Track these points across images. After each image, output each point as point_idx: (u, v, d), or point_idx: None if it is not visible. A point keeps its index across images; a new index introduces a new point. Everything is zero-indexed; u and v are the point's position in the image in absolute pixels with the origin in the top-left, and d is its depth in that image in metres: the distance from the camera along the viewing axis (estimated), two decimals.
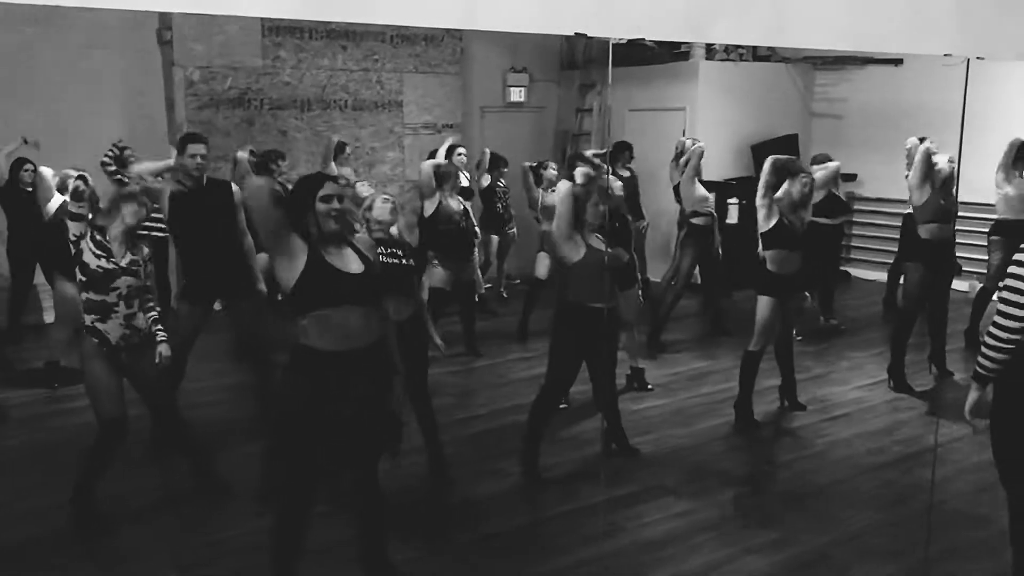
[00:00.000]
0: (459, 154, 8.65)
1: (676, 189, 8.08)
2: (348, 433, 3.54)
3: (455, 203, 7.22)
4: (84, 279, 4.40)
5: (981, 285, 7.81)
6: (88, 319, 4.44)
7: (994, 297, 7.74)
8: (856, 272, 11.02)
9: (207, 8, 2.45)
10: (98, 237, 4.41)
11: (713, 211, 7.96)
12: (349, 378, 3.45)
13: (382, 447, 3.75)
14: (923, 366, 6.94)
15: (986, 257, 7.79)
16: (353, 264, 3.49)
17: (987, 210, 7.73)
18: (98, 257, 4.37)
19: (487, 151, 9.42)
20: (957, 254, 6.96)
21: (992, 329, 3.32)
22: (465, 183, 8.32)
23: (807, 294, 6.12)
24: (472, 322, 7.67)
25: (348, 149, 9.27)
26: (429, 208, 7.12)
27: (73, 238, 4.38)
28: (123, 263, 4.44)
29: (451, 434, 5.70)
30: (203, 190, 5.37)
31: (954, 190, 6.35)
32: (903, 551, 4.28)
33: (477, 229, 7.60)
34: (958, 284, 8.81)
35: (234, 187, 5.58)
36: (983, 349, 3.36)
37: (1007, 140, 7.42)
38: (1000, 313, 3.31)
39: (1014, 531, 3.55)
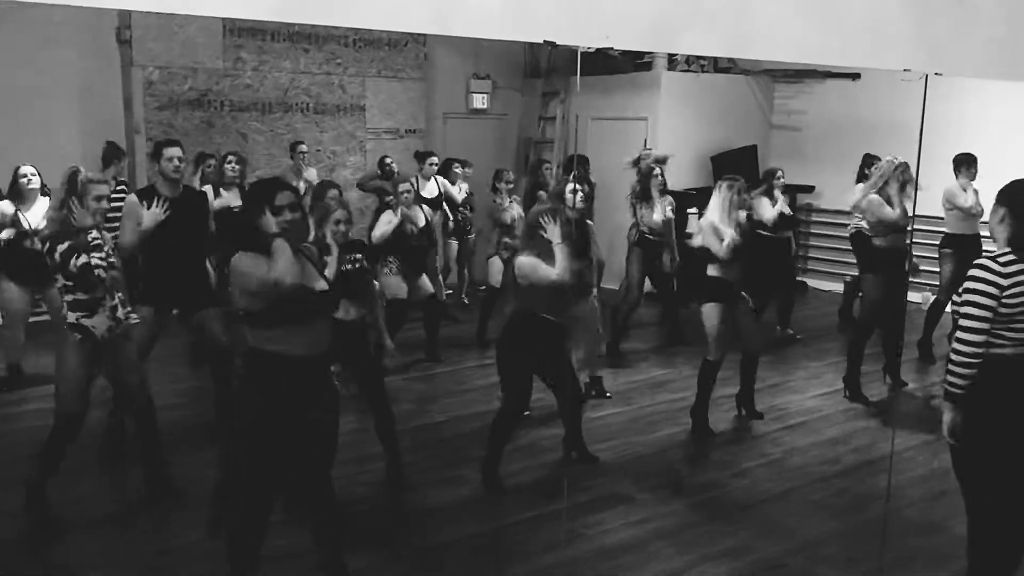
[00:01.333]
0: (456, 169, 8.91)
1: (633, 202, 8.05)
2: (305, 438, 3.50)
3: (417, 212, 7.26)
4: (72, 283, 4.36)
5: (934, 297, 7.95)
6: (72, 316, 4.41)
7: (947, 309, 7.90)
8: (812, 283, 11.17)
9: (169, 7, 2.42)
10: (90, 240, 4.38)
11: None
12: (314, 381, 3.47)
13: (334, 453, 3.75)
14: (878, 376, 7.05)
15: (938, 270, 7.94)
16: (316, 281, 3.50)
17: (938, 223, 7.89)
18: (91, 259, 4.35)
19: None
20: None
21: (956, 346, 3.35)
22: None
23: (745, 295, 5.99)
24: (435, 328, 7.65)
25: (303, 147, 9.19)
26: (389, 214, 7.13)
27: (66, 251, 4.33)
28: (108, 259, 4.46)
29: (411, 440, 5.67)
30: (180, 196, 5.31)
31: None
32: (858, 559, 4.33)
33: (437, 238, 7.70)
34: (912, 296, 8.98)
35: (209, 195, 5.60)
36: (950, 367, 3.37)
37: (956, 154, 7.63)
38: (961, 329, 3.34)
39: (971, 541, 3.60)
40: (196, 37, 9.08)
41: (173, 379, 6.72)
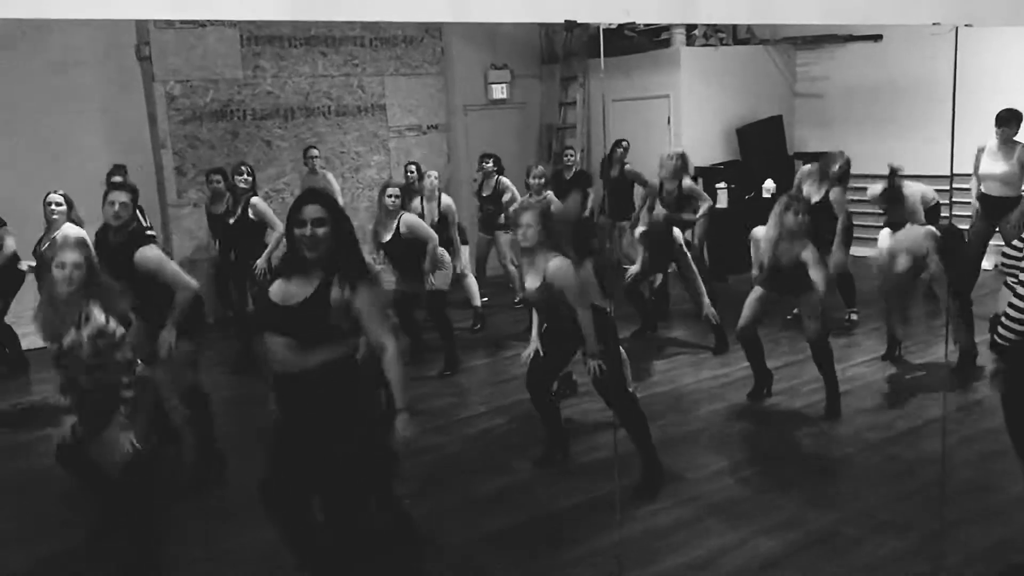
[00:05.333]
0: (409, 172, 8.67)
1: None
2: (303, 455, 3.37)
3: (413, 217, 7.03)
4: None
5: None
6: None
7: (985, 265, 7.77)
8: None
9: (187, 13, 2.43)
10: None
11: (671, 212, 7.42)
12: (289, 400, 3.35)
13: (347, 480, 3.36)
14: (921, 339, 6.98)
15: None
16: (296, 295, 3.24)
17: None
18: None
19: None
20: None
21: (1016, 301, 3.32)
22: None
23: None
24: (443, 335, 7.18)
25: (314, 151, 9.17)
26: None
27: None
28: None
29: (454, 433, 5.77)
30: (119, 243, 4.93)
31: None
32: (914, 523, 4.28)
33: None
34: None
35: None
36: (1004, 321, 3.35)
37: (991, 109, 7.44)
38: (1022, 284, 3.31)
39: None
40: (214, 48, 9.14)
41: (216, 387, 6.78)
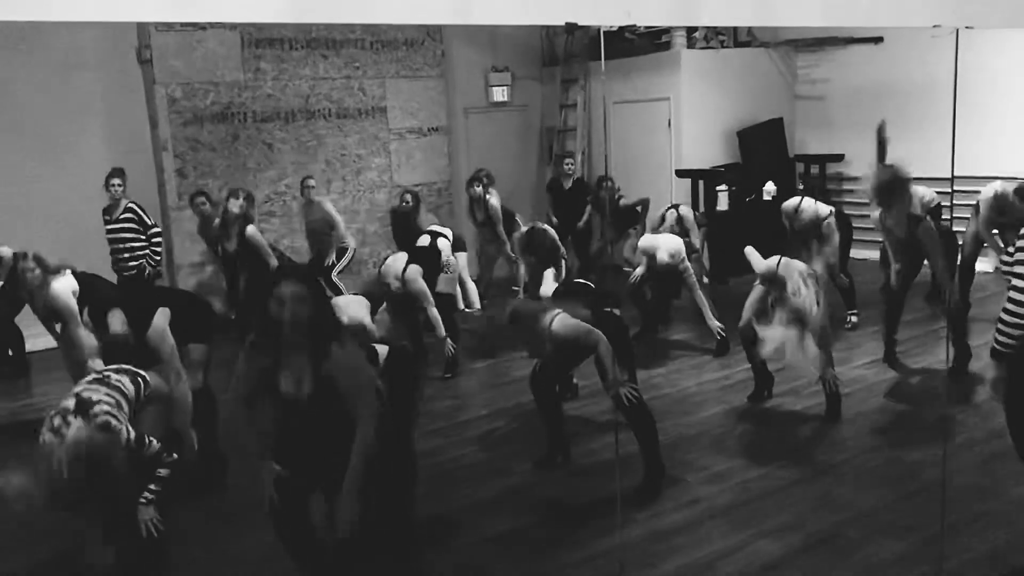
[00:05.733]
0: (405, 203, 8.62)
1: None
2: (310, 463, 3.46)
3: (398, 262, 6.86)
4: None
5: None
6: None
7: (978, 267, 7.76)
8: None
9: (189, 16, 2.44)
10: None
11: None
12: (298, 450, 3.48)
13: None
14: (921, 342, 6.96)
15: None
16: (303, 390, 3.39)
17: (976, 183, 7.74)
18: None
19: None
20: (954, 228, 6.91)
21: (1009, 306, 3.33)
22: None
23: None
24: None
25: (311, 181, 9.09)
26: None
27: None
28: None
29: (455, 436, 5.76)
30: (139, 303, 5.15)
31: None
32: (916, 526, 4.27)
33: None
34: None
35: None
36: (1000, 327, 3.36)
37: (992, 111, 7.44)
38: (1016, 290, 3.32)
39: None
40: (215, 51, 9.15)
41: (218, 389, 6.77)
